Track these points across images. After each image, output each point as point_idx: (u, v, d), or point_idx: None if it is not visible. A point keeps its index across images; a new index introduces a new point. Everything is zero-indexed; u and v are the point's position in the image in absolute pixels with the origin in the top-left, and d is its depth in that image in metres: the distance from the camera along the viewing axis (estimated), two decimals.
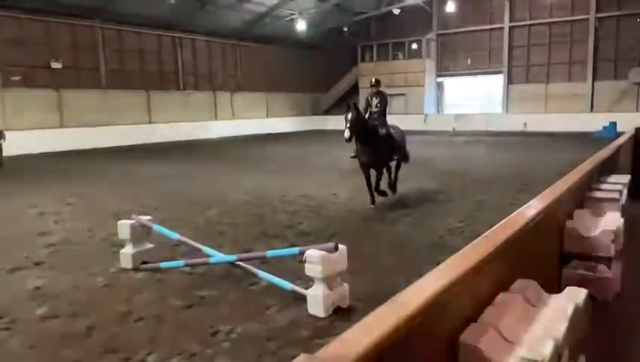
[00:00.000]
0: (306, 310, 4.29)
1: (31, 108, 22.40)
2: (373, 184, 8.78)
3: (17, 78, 22.25)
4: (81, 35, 24.76)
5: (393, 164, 9.42)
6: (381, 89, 9.18)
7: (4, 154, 16.85)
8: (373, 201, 8.80)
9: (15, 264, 5.90)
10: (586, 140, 21.65)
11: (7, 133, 17.12)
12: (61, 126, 23.66)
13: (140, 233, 5.74)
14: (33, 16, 22.59)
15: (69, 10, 23.49)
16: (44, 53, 23.23)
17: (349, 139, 8.09)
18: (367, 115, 8.81)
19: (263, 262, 5.33)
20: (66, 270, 5.69)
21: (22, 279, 5.42)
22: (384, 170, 9.13)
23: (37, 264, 5.93)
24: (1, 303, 4.71)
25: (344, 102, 8.90)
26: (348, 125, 8.01)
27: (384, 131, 8.74)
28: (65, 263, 5.96)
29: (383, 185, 9.10)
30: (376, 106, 8.95)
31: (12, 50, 22.01)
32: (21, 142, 19.99)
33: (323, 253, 4.18)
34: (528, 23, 31.42)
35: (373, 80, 9.17)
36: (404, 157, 9.60)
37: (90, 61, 25.17)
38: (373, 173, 8.85)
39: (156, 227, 5.81)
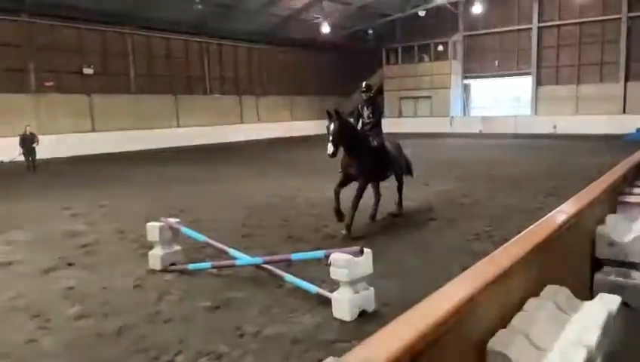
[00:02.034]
0: (332, 313, 4.29)
1: (63, 113, 23.08)
2: (354, 200, 7.22)
3: (51, 83, 22.97)
4: (112, 42, 25.42)
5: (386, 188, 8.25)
6: (373, 95, 7.84)
7: (38, 157, 17.40)
8: (341, 219, 7.16)
9: (49, 264, 6.09)
10: (619, 143, 21.06)
11: (40, 137, 17.68)
12: (92, 130, 24.28)
13: (169, 235, 5.84)
14: (66, 23, 23.29)
15: (101, 17, 24.14)
16: (77, 59, 23.94)
17: (333, 155, 6.77)
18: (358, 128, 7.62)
19: (289, 265, 5.36)
20: (97, 271, 5.85)
21: (56, 279, 5.59)
22: (372, 191, 7.93)
23: (70, 264, 6.10)
24: (36, 303, 4.87)
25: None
26: (330, 138, 6.71)
27: (377, 142, 7.56)
28: (96, 264, 6.12)
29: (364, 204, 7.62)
30: (369, 117, 7.68)
31: (46, 56, 22.75)
32: (54, 146, 20.56)
33: (348, 256, 4.18)
34: (558, 23, 30.73)
35: (364, 85, 7.92)
36: (407, 171, 8.69)
37: (120, 67, 25.81)
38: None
39: (184, 229, 5.90)
